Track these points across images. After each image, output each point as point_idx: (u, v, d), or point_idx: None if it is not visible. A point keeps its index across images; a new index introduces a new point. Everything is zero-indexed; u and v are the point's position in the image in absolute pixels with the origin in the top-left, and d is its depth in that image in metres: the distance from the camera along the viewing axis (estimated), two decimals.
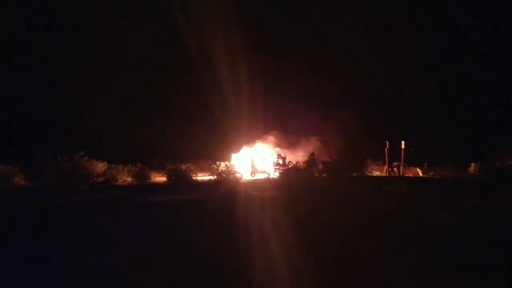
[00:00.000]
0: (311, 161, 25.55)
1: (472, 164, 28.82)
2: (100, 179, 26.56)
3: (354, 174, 27.76)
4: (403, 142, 30.04)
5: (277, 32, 48.04)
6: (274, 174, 26.29)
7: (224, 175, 25.86)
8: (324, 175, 26.70)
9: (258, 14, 44.85)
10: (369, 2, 44.95)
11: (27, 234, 10.09)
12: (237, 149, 33.25)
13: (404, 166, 30.54)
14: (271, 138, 33.77)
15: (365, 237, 9.06)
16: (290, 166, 25.03)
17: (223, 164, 27.01)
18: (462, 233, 9.47)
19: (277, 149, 31.73)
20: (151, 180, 28.67)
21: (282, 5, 47.31)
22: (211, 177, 26.68)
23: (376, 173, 31.63)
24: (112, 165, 28.58)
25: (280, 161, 25.02)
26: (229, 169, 26.35)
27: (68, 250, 8.47)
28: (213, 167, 27.24)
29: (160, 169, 31.29)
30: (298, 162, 26.33)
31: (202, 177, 28.83)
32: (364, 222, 10.88)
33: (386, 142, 30.44)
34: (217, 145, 35.43)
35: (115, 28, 42.04)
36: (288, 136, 33.19)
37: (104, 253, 8.16)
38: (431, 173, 29.74)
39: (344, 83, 41.79)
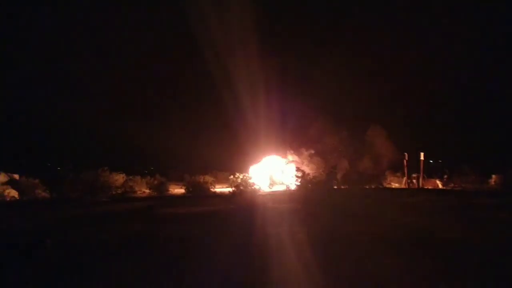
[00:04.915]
0: (330, 173, 25.34)
1: (493, 176, 28.36)
2: (119, 191, 26.83)
3: (373, 186, 27.51)
4: (422, 154, 29.73)
5: (300, 42, 48.09)
6: (293, 186, 26.15)
7: (242, 187, 25.83)
8: (343, 187, 26.50)
9: (280, 20, 45.22)
10: (395, 8, 44.61)
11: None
12: (255, 160, 33.21)
13: (424, 178, 30.18)
14: (288, 150, 33.66)
15: (395, 252, 8.92)
16: (308, 178, 24.88)
17: (241, 176, 26.99)
18: (488, 247, 9.29)
19: (295, 160, 31.74)
20: (170, 192, 28.82)
21: (306, 14, 47.42)
22: (229, 189, 26.68)
23: (395, 185, 31.30)
24: (131, 177, 28.87)
25: (299, 174, 24.89)
26: (247, 181, 26.32)
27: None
28: (231, 179, 27.25)
29: (178, 180, 31.49)
30: (316, 173, 26.17)
31: (220, 189, 28.86)
32: (389, 235, 10.73)
33: (405, 154, 30.17)
34: (235, 157, 35.46)
35: (130, 35, 42.77)
36: (307, 147, 32.99)
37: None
38: (451, 185, 29.32)
39: (363, 94, 41.53)
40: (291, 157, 32.98)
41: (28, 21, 43.85)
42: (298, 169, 25.35)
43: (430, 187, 29.53)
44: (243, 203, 20.64)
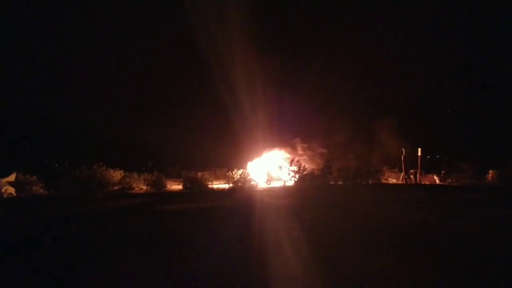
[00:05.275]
0: (326, 168, 25.39)
1: (490, 171, 28.48)
2: (116, 188, 26.81)
3: (370, 182, 27.55)
4: (419, 150, 29.78)
5: (297, 35, 47.93)
6: (290, 182, 26.19)
7: (239, 183, 25.88)
8: (339, 183, 26.54)
9: (276, 16, 45.13)
10: (392, 4, 44.59)
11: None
12: (252, 157, 33.22)
13: (421, 174, 30.23)
14: (286, 145, 33.66)
15: (393, 250, 8.94)
16: (305, 174, 24.93)
17: (238, 172, 27.03)
18: (486, 242, 9.34)
19: (290, 156, 31.77)
20: (167, 188, 28.80)
21: (300, 7, 47.22)
22: (227, 185, 26.72)
23: (393, 181, 31.36)
24: (128, 174, 28.80)
25: (295, 168, 24.95)
26: (245, 177, 26.36)
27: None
28: (228, 175, 27.29)
29: (175, 177, 31.47)
30: (313, 169, 26.21)
31: (218, 185, 28.89)
32: (387, 232, 10.75)
33: (402, 149, 30.22)
34: (233, 153, 35.45)
35: (132, 35, 42.73)
36: (304, 143, 33.02)
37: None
38: (448, 180, 29.40)
39: (360, 90, 41.59)
40: (288, 153, 32.97)
41: (28, 19, 43.79)
42: (294, 164, 25.43)
43: (427, 183, 29.58)
44: (241, 199, 20.67)
